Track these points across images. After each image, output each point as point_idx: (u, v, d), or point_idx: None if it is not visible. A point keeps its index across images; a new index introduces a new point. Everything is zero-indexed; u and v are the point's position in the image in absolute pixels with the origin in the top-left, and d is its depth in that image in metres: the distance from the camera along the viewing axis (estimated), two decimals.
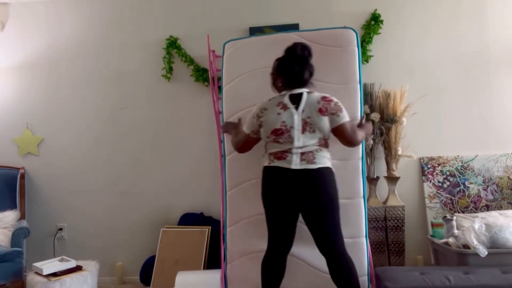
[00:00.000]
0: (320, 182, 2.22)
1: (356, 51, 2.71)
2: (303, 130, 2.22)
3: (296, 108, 2.24)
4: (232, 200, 2.76)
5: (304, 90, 2.29)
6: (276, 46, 2.61)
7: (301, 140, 2.22)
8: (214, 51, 3.18)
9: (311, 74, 2.31)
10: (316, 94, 2.29)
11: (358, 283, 2.21)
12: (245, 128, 2.39)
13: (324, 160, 2.26)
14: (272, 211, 2.31)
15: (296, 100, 2.26)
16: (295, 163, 2.21)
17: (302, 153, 2.23)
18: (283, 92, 2.33)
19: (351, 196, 2.61)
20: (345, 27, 2.83)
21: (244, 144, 2.43)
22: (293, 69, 2.27)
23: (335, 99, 2.28)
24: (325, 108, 2.23)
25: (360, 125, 2.49)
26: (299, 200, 2.23)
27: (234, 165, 2.76)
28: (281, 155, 2.25)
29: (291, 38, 2.68)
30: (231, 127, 2.64)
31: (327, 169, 2.26)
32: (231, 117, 2.78)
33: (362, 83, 2.73)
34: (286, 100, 2.27)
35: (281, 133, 2.23)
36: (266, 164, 2.33)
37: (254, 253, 2.60)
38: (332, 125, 2.25)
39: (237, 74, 2.85)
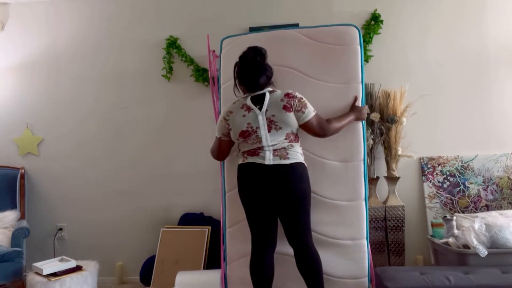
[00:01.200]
0: (293, 177, 2.26)
1: (358, 50, 2.61)
2: (269, 129, 2.26)
3: (260, 108, 2.28)
4: (232, 201, 2.71)
5: (265, 90, 2.33)
6: (276, 43, 2.58)
7: (269, 139, 2.26)
8: (214, 51, 3.18)
9: (268, 77, 2.34)
10: (279, 92, 2.33)
11: (322, 276, 2.30)
12: (216, 133, 2.43)
13: (297, 155, 2.31)
14: (250, 209, 2.35)
15: (259, 100, 2.30)
16: (269, 159, 2.26)
17: (274, 150, 2.27)
18: (246, 95, 2.37)
19: (352, 198, 2.56)
20: (347, 24, 2.71)
21: (219, 149, 2.46)
22: (249, 76, 2.31)
23: (298, 95, 2.30)
24: (289, 104, 2.26)
25: (351, 109, 2.51)
26: (273, 195, 2.27)
27: (233, 166, 2.67)
28: (254, 151, 2.30)
29: (291, 35, 2.65)
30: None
31: (300, 164, 2.31)
32: None
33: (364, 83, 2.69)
34: (249, 102, 2.31)
35: (248, 135, 2.28)
36: (240, 162, 2.37)
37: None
38: (299, 122, 2.30)
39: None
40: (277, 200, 2.28)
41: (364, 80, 2.62)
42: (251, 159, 2.30)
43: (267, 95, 2.30)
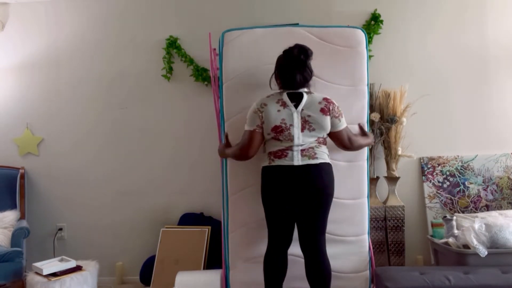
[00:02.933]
0: (322, 177, 2.26)
1: (365, 52, 2.64)
2: (303, 129, 2.24)
3: (296, 106, 2.25)
4: (235, 205, 2.66)
5: (303, 90, 2.30)
6: (284, 40, 2.46)
7: (300, 139, 2.24)
8: (215, 49, 3.18)
9: (306, 78, 2.30)
10: (318, 94, 2.32)
11: (330, 285, 2.29)
12: (248, 126, 2.32)
13: (325, 155, 2.30)
14: (274, 210, 2.31)
15: (295, 98, 2.27)
16: (297, 160, 2.23)
17: (302, 150, 2.25)
18: (281, 90, 2.33)
19: (356, 196, 2.63)
20: (354, 27, 2.74)
21: (251, 143, 2.28)
22: (290, 74, 2.27)
23: (336, 103, 2.31)
24: (327, 108, 2.26)
25: (363, 134, 2.55)
26: (300, 196, 2.24)
27: (236, 170, 2.64)
28: (281, 153, 2.26)
29: (300, 33, 2.62)
30: (223, 147, 2.58)
31: (328, 165, 2.31)
32: (232, 117, 2.63)
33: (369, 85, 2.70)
34: (285, 97, 2.28)
35: (281, 131, 2.24)
36: (266, 164, 2.32)
37: (257, 258, 2.54)
38: (332, 128, 2.29)
39: (239, 70, 2.64)
40: (303, 200, 2.25)
41: (369, 83, 2.67)
42: (278, 162, 2.26)
43: (305, 95, 2.28)
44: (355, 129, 2.56)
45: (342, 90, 2.60)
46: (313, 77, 2.35)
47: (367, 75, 2.65)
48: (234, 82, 2.66)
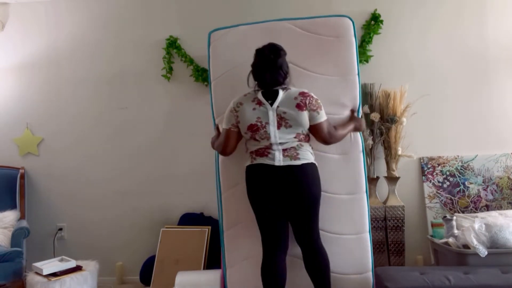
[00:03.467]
0: (304, 180, 2.23)
1: (353, 41, 2.59)
2: (279, 126, 2.22)
3: (271, 104, 2.23)
4: (228, 203, 2.62)
5: (278, 88, 2.27)
6: (269, 35, 2.48)
7: (277, 136, 2.21)
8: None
9: (281, 78, 2.27)
10: (294, 89, 2.28)
11: (329, 276, 2.30)
12: (224, 125, 2.33)
13: (308, 155, 2.27)
14: (260, 211, 2.29)
15: (271, 96, 2.25)
16: (278, 160, 2.21)
17: (284, 150, 2.22)
18: (257, 88, 2.30)
19: (353, 191, 2.55)
20: (341, 16, 2.70)
21: (226, 141, 2.31)
22: (260, 73, 2.25)
23: (314, 96, 2.26)
24: (303, 103, 2.22)
25: (350, 119, 2.51)
26: (283, 198, 2.23)
27: (227, 166, 2.61)
28: (263, 152, 2.24)
29: (285, 27, 2.59)
30: (214, 138, 2.57)
31: (311, 165, 2.27)
32: (222, 114, 2.53)
33: (360, 76, 2.63)
34: (260, 96, 2.26)
35: (256, 129, 2.22)
36: (248, 163, 2.31)
37: (254, 257, 2.52)
38: (311, 121, 2.24)
39: (226, 68, 2.65)
40: (288, 202, 2.24)
41: (359, 72, 2.60)
42: (260, 160, 2.24)
43: (280, 92, 2.25)
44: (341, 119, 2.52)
45: (331, 81, 2.54)
46: (289, 72, 2.30)
47: (357, 64, 2.59)
48: (222, 79, 2.66)
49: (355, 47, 2.60)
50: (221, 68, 2.67)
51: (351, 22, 2.64)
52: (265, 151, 2.24)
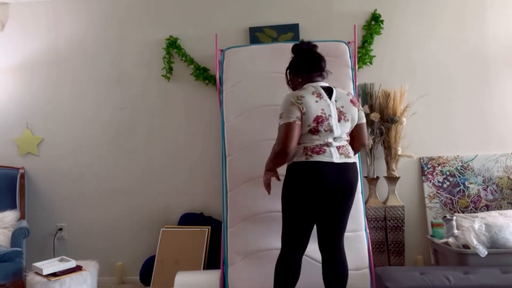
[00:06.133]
0: (356, 177, 2.27)
1: (349, 62, 3.05)
2: (339, 119, 2.24)
3: (329, 97, 2.26)
4: (233, 201, 2.75)
5: (330, 85, 2.32)
6: (278, 54, 2.84)
7: (338, 129, 2.23)
8: (222, 50, 3.20)
9: (325, 62, 2.36)
10: (340, 89, 2.36)
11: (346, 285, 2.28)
12: (285, 119, 2.19)
13: (353, 154, 2.33)
14: (302, 209, 2.22)
15: (326, 90, 2.28)
16: (336, 157, 2.20)
17: (338, 147, 2.22)
18: (310, 84, 2.30)
19: None
20: (338, 41, 3.12)
21: (290, 136, 2.16)
22: (312, 61, 2.33)
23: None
24: (354, 100, 2.33)
25: None
26: (333, 195, 2.19)
27: (235, 166, 2.77)
28: (319, 149, 2.20)
29: (288, 47, 2.66)
30: (267, 166, 2.42)
31: (356, 164, 2.33)
32: (231, 119, 2.94)
33: (356, 89, 3.03)
34: (319, 89, 2.26)
35: (321, 121, 2.20)
36: (302, 159, 2.20)
37: (255, 254, 2.60)
38: (359, 121, 2.32)
39: (237, 79, 3.00)
40: (335, 199, 2.21)
41: (356, 88, 3.03)
42: (317, 158, 2.18)
43: (334, 88, 2.30)
44: None
45: None
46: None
47: (352, 82, 3.00)
48: (234, 89, 3.01)
49: (350, 67, 3.04)
50: (233, 79, 3.06)
51: (347, 47, 3.10)
52: (322, 148, 2.20)
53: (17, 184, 3.52)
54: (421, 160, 3.35)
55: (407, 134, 3.29)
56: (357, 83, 3.07)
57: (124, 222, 3.57)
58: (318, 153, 2.19)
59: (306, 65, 2.33)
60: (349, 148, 2.29)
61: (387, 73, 3.35)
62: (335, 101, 2.25)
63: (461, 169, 3.30)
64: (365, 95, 3.33)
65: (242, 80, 3.02)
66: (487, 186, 3.25)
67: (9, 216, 3.36)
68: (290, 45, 2.53)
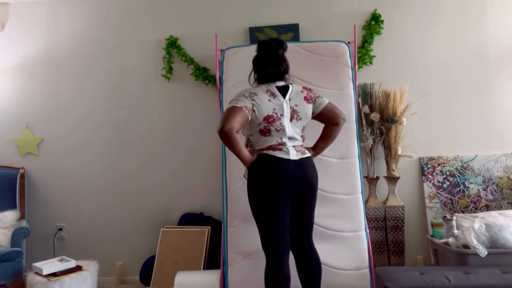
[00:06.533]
0: (314, 172, 2.29)
1: (348, 62, 3.04)
2: (291, 118, 2.25)
3: (283, 96, 2.26)
4: (233, 201, 2.77)
5: (287, 83, 2.33)
6: None
7: (290, 129, 2.24)
8: (222, 50, 3.20)
9: (286, 70, 2.32)
10: (296, 85, 2.36)
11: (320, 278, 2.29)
12: (238, 103, 2.15)
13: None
14: (268, 204, 2.18)
15: (281, 89, 2.28)
16: (293, 154, 2.22)
17: (293, 146, 2.25)
18: (266, 84, 2.30)
19: (351, 192, 2.83)
20: (338, 41, 3.11)
21: (235, 117, 2.09)
22: (269, 68, 2.28)
23: (311, 88, 2.39)
24: (309, 96, 2.31)
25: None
26: (294, 191, 2.21)
27: (234, 166, 2.77)
28: (275, 147, 2.21)
29: (289, 48, 2.68)
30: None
31: (312, 160, 2.35)
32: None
33: (356, 89, 3.03)
34: (274, 88, 2.27)
35: (272, 120, 2.21)
36: (261, 154, 2.22)
37: (255, 254, 2.59)
38: (320, 108, 2.32)
39: (237, 79, 2.99)
40: (298, 196, 2.23)
41: (356, 87, 3.02)
42: (274, 153, 2.19)
43: (290, 86, 2.30)
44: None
45: (330, 92, 2.83)
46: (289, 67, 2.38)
47: (352, 81, 3.00)
48: (234, 89, 2.95)
49: (350, 67, 3.03)
50: (232, 79, 3.07)
51: (347, 47, 3.08)
52: (277, 147, 2.21)
53: (17, 184, 3.52)
54: (421, 160, 3.35)
55: (407, 134, 3.29)
56: (357, 83, 3.08)
57: (124, 222, 3.57)
58: (274, 150, 2.21)
59: (265, 64, 2.30)
60: (305, 148, 2.31)
61: (387, 73, 3.35)
62: (289, 99, 2.26)
63: (461, 169, 3.30)
64: (365, 95, 3.33)
65: (242, 80, 2.97)
66: (487, 186, 3.25)
67: (9, 216, 3.36)
68: (290, 45, 2.53)
